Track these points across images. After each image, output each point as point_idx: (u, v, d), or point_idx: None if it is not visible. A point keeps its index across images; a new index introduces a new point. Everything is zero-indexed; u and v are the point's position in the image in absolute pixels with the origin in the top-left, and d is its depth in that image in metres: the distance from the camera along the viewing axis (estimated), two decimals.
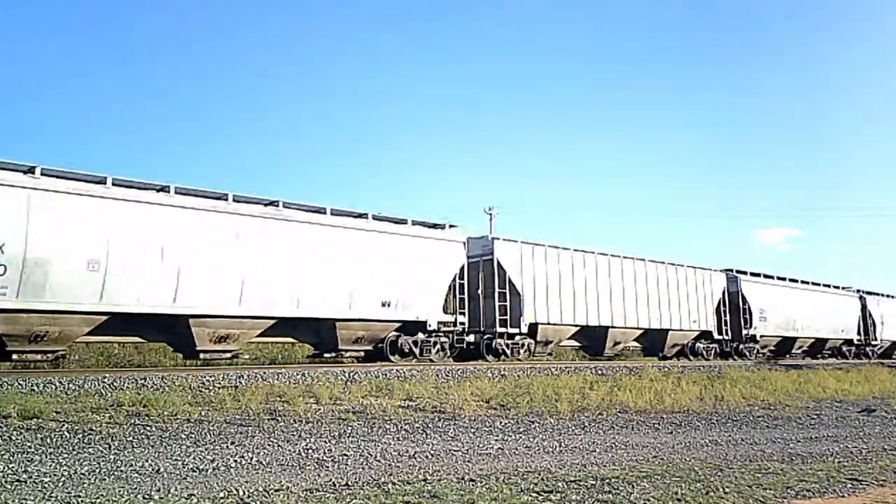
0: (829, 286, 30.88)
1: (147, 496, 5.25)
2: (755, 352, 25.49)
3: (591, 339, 20.62)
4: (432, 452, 7.53)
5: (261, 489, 5.57)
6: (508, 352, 17.58)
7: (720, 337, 24.13)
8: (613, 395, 12.19)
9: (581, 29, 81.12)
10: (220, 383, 10.54)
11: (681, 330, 22.69)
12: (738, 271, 25.90)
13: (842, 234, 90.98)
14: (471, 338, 17.23)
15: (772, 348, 27.30)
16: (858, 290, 32.82)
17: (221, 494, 5.36)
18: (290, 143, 78.41)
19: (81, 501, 5.08)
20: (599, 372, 15.92)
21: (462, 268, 16.82)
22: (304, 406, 9.45)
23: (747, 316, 25.07)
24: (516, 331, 17.81)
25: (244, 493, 5.43)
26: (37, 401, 8.34)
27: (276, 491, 5.53)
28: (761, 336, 25.67)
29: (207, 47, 74.14)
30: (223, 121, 75.68)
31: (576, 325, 19.47)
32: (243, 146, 76.50)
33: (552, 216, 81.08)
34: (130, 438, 7.47)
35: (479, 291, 17.74)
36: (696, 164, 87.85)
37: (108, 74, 68.42)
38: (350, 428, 8.68)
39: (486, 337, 17.45)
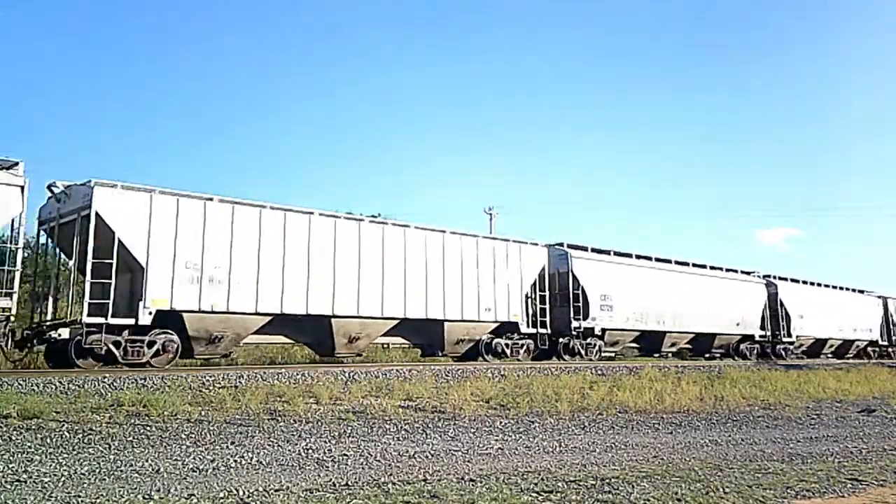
0: (720, 269, 25.46)
1: (147, 496, 5.25)
2: (596, 350, 20.04)
3: (308, 333, 15.06)
4: (432, 452, 7.52)
5: (261, 489, 5.57)
6: (118, 352, 12.08)
7: (530, 330, 18.45)
8: (613, 395, 12.19)
9: (581, 29, 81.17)
10: (220, 383, 10.56)
11: (464, 321, 16.98)
12: (570, 245, 20.36)
13: (842, 234, 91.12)
14: (65, 332, 12.26)
15: (629, 345, 22.23)
16: (767, 276, 27.58)
17: (221, 494, 5.36)
18: (290, 143, 78.38)
19: (81, 501, 5.08)
20: (599, 372, 15.96)
21: (11, 227, 11.85)
22: (304, 406, 9.45)
23: (579, 304, 19.49)
24: (129, 321, 12.20)
25: (244, 493, 5.43)
26: (37, 401, 8.35)
27: (276, 491, 5.53)
28: (605, 330, 20.30)
29: (207, 47, 74.11)
30: (223, 121, 75.64)
31: (266, 314, 13.80)
32: (243, 146, 76.46)
33: (552, 216, 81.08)
34: (130, 438, 7.47)
35: (74, 264, 12.78)
36: (696, 164, 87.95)
37: (107, 75, 68.40)
38: (350, 428, 8.68)
39: (80, 333, 11.87)
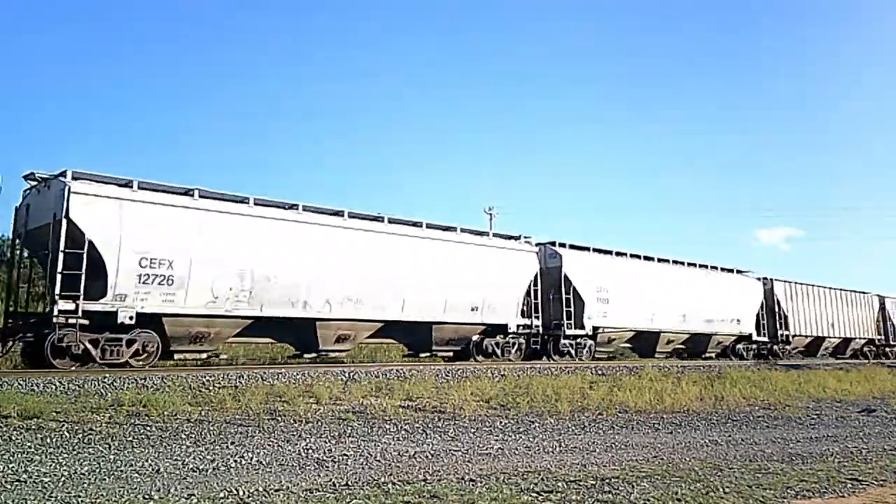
0: (452, 229, 16.53)
1: (147, 496, 5.25)
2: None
3: None
4: (432, 452, 7.52)
5: (261, 489, 5.57)
6: None
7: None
8: (613, 395, 12.19)
9: (583, 29, 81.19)
10: (220, 383, 10.55)
11: None
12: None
13: (842, 234, 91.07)
14: None
15: (259, 340, 14.26)
16: (547, 244, 18.94)
17: (221, 494, 5.36)
18: (291, 143, 78.38)
19: (81, 501, 5.08)
20: (599, 372, 15.95)
21: None
22: (304, 406, 9.45)
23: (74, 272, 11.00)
24: None
25: (244, 493, 5.43)
26: (37, 401, 8.34)
27: (276, 491, 5.53)
28: (162, 316, 11.91)
29: (207, 47, 74.13)
30: (224, 121, 75.62)
31: None
32: (244, 146, 76.45)
33: (552, 216, 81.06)
34: (130, 438, 7.46)
35: None
36: (696, 164, 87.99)
37: (108, 75, 68.41)
38: (350, 428, 8.68)
39: None
